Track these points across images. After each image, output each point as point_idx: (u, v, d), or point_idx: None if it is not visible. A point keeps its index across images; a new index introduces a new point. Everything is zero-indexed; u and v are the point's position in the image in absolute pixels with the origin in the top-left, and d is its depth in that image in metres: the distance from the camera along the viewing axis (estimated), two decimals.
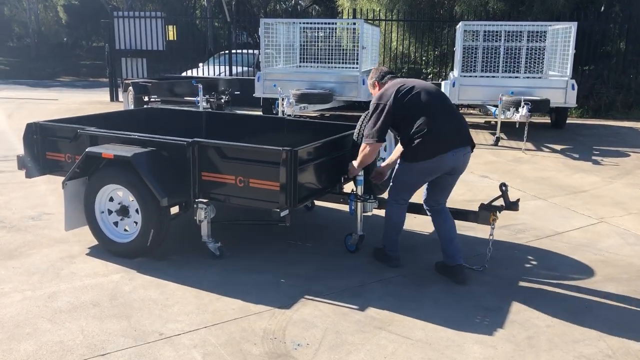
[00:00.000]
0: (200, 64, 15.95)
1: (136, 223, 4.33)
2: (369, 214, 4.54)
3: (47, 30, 33.64)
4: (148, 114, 6.05)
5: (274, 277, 4.07)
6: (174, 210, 4.42)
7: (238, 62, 15.32)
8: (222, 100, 10.23)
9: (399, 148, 4.30)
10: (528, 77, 10.63)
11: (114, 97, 15.02)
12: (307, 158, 4.17)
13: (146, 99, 11.27)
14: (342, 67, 11.63)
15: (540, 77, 10.74)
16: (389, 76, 4.34)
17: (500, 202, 4.22)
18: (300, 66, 12.54)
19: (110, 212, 4.46)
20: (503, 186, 4.19)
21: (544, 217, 5.47)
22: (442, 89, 11.60)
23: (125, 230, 4.43)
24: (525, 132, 8.75)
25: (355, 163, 4.31)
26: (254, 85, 11.32)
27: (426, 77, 15.77)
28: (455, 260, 4.07)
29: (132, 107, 11.31)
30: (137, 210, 4.28)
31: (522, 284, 4.02)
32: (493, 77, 10.63)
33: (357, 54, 10.82)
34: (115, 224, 4.46)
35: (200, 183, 4.27)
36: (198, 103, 10.13)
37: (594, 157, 8.42)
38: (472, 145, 4.08)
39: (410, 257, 4.42)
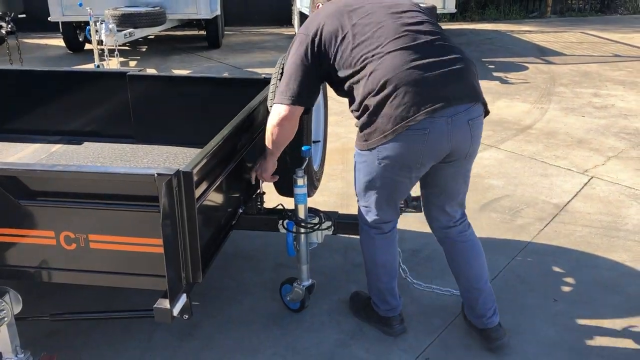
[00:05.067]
0: None
1: None
2: (319, 242, 2.59)
3: None
4: None
5: None
6: None
7: None
8: (3, 31, 7.09)
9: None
10: None
11: None
12: (209, 176, 2.05)
13: None
14: None
15: None
16: None
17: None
18: None
19: None
20: None
21: (519, 179, 3.94)
22: None
23: None
24: None
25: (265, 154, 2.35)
26: (46, 4, 8.16)
27: None
28: (488, 319, 2.32)
29: None
30: None
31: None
32: None
33: None
34: None
35: None
36: None
37: (494, 74, 7.15)
38: (484, 104, 2.13)
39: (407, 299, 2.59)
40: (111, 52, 6.65)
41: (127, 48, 8.78)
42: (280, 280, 2.61)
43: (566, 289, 2.76)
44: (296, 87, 2.15)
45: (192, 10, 8.08)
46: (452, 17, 11.74)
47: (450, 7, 8.48)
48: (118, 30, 6.77)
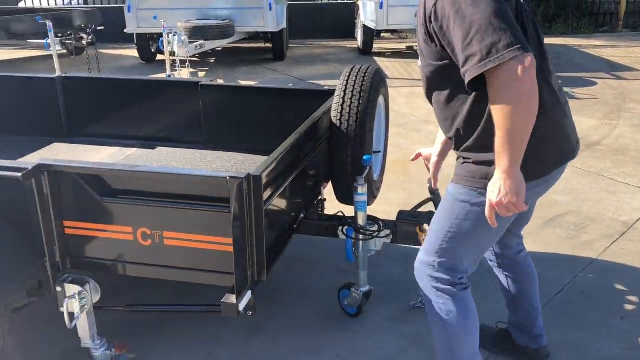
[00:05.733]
0: None
1: None
2: (377, 249, 2.65)
3: None
4: None
5: None
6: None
7: None
8: (84, 42, 7.54)
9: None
10: None
11: None
12: (276, 181, 2.14)
13: None
14: None
15: None
16: None
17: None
18: None
19: None
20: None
21: (586, 195, 3.86)
22: (362, 11, 9.60)
23: None
24: None
25: (500, 143, 1.57)
26: (122, 17, 8.64)
27: None
28: (543, 337, 2.28)
29: None
30: None
31: None
32: None
33: None
34: None
35: (63, 242, 2.12)
36: (48, 47, 7.37)
37: (564, 89, 7.01)
38: None
39: None
40: (182, 62, 6.96)
41: (196, 59, 9.13)
42: (339, 285, 2.68)
43: (633, 307, 2.69)
44: (517, 31, 1.51)
45: (259, 24, 8.34)
46: None
47: None
48: (189, 42, 7.07)
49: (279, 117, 3.18)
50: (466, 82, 1.56)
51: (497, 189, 1.61)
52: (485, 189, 1.69)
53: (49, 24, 7.20)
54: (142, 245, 2.06)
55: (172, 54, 6.98)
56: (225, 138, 3.36)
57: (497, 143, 1.57)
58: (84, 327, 2.21)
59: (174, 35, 7.00)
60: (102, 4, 11.49)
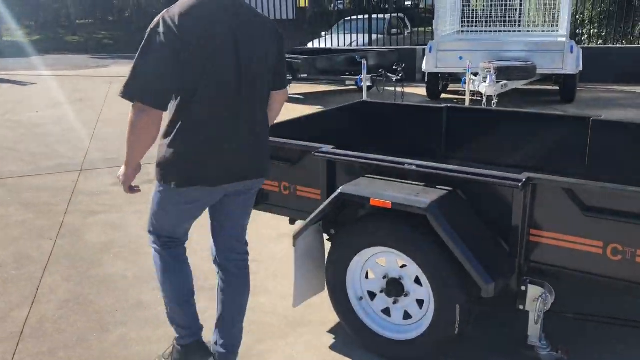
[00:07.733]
0: (323, 33, 14.18)
1: (420, 304, 2.57)
2: None
3: (146, 2, 32.60)
4: (362, 113, 4.25)
5: None
6: None
7: (360, 29, 13.19)
8: (394, 79, 8.33)
9: None
10: None
11: None
12: None
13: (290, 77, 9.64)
14: (538, 31, 9.34)
15: None
16: None
17: None
18: (462, 31, 10.39)
19: (372, 295, 2.74)
20: None
21: None
22: None
23: (407, 317, 2.65)
24: None
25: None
26: (411, 58, 9.35)
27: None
28: None
29: None
30: (418, 281, 2.54)
31: None
32: None
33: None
34: (387, 311, 2.72)
35: (528, 248, 2.43)
36: (360, 83, 8.33)
37: None
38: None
39: None
40: (488, 101, 7.30)
41: (478, 99, 9.44)
42: None
43: None
44: (151, 79, 2.18)
45: (558, 66, 8.35)
46: None
47: None
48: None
49: None
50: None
51: (120, 174, 2.32)
52: (164, 181, 2.27)
53: (364, 62, 8.15)
54: (610, 260, 2.25)
55: (474, 93, 7.37)
56: (609, 172, 3.43)
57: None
58: (534, 326, 2.48)
59: (477, 75, 7.39)
60: (396, 45, 12.52)
